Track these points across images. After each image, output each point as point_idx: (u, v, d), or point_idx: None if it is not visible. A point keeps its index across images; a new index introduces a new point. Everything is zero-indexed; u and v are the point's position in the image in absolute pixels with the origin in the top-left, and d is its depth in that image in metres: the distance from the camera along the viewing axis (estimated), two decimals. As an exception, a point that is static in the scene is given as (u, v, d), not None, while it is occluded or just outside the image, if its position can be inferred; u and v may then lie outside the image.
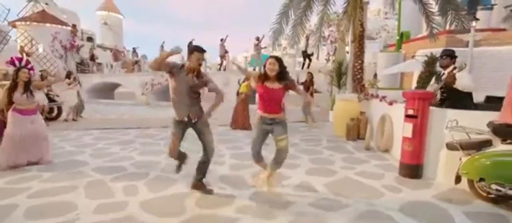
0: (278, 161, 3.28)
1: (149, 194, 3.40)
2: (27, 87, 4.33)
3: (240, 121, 7.74)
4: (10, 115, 4.28)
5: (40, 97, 4.83)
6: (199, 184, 3.44)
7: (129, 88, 18.23)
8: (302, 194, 3.44)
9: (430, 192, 3.49)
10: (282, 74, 3.13)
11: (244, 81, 7.83)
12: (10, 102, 4.27)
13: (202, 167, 3.38)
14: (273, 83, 3.14)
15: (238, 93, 8.03)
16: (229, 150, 5.49)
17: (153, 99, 16.89)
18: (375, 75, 11.83)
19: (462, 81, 4.00)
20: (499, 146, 3.09)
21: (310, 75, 9.25)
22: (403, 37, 16.98)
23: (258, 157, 3.42)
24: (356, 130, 6.64)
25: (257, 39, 15.80)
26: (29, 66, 4.48)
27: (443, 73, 4.32)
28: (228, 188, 3.61)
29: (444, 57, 4.31)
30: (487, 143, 3.21)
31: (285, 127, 3.25)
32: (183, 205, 3.11)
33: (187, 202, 3.19)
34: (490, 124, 3.12)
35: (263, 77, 3.15)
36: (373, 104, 6.57)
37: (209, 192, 3.39)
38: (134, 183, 3.74)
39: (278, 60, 3.17)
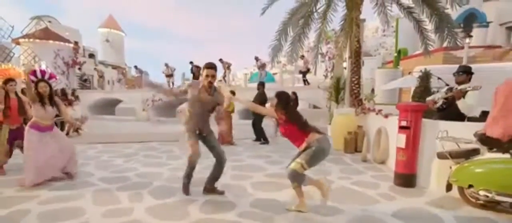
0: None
1: (154, 201, 3.55)
2: (49, 100, 4.20)
3: (225, 137, 7.74)
4: (28, 132, 4.05)
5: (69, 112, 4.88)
6: (212, 188, 3.75)
7: (130, 104, 18.46)
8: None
9: (423, 199, 3.64)
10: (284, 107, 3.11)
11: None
12: (23, 113, 4.36)
13: (216, 176, 3.72)
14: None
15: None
16: (230, 163, 5.64)
17: (153, 115, 17.09)
18: (373, 90, 12.09)
19: (467, 100, 4.07)
20: (486, 154, 3.28)
21: (294, 95, 9.35)
22: (401, 54, 17.42)
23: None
24: (354, 144, 6.82)
25: (256, 59, 16.64)
26: (52, 80, 4.44)
27: (456, 88, 4.28)
28: (229, 196, 3.76)
29: (460, 73, 4.30)
30: (475, 152, 3.40)
31: (306, 152, 3.02)
32: (186, 210, 3.25)
33: (190, 208, 3.34)
34: (476, 134, 3.31)
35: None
36: (370, 118, 6.77)
37: (222, 193, 3.74)
38: (138, 191, 3.88)
39: (277, 96, 3.16)
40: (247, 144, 7.97)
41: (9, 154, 4.78)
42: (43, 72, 4.41)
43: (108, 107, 20.39)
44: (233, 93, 8.33)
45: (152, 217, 3.10)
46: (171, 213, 3.20)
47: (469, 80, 4.25)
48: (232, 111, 8.11)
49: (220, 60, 17.08)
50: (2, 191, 3.82)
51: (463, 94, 4.11)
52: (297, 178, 3.03)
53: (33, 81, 4.17)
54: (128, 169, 5.14)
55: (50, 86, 4.25)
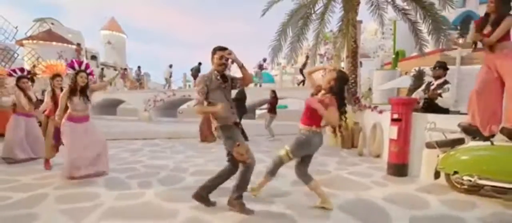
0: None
1: (162, 187, 3.82)
2: (83, 92, 4.17)
3: (207, 135, 7.85)
4: (63, 125, 4.07)
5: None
6: (239, 203, 2.98)
7: (132, 104, 18.72)
8: (297, 188, 3.81)
9: (413, 186, 3.91)
10: None
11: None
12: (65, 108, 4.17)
13: (244, 178, 2.95)
14: None
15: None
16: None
17: (155, 115, 17.34)
18: (370, 89, 12.38)
19: (444, 98, 4.57)
20: (469, 143, 3.55)
21: (273, 93, 9.26)
22: (399, 56, 17.76)
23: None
24: (351, 140, 7.09)
25: (260, 67, 17.28)
26: (89, 70, 4.35)
27: (433, 84, 4.81)
28: (232, 184, 4.01)
29: (437, 68, 4.78)
30: (460, 141, 3.67)
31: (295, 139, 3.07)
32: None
33: (196, 193, 3.60)
34: (460, 125, 3.59)
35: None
36: (366, 114, 7.04)
37: (249, 212, 2.92)
38: (147, 180, 4.15)
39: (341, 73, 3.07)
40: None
41: (56, 149, 4.72)
42: (80, 63, 4.32)
43: (110, 107, 20.66)
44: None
45: (161, 199, 3.36)
46: (179, 197, 3.46)
47: (445, 75, 4.72)
48: None
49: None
50: (20, 178, 4.08)
51: (438, 94, 4.57)
52: (276, 166, 3.13)
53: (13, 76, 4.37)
54: (135, 161, 5.40)
55: (87, 77, 4.24)
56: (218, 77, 2.93)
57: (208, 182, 3.12)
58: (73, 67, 4.20)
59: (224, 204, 3.11)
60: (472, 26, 3.68)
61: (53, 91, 4.85)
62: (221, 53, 2.88)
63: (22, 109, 5.12)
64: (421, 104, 4.81)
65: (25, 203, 3.19)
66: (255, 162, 2.95)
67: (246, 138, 7.99)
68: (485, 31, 3.39)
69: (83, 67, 4.29)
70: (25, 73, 5.40)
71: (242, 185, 2.96)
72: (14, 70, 5.39)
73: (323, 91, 2.98)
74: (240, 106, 7.94)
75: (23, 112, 5.14)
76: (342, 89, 2.97)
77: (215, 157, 5.78)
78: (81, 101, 4.14)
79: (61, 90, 4.75)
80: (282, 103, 20.28)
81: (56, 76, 4.93)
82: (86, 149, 4.12)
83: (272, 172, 3.21)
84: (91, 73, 4.44)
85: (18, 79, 5.13)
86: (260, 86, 18.03)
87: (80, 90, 4.15)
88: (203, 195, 3.10)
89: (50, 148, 4.71)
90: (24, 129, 5.16)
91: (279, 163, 3.15)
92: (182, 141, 8.19)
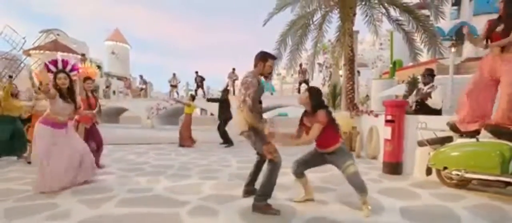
0: (356, 187, 2.91)
1: (170, 183, 4.07)
2: (71, 94, 3.79)
3: (186, 139, 8.19)
4: (38, 127, 3.63)
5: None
6: (265, 205, 2.95)
7: (135, 112, 19.03)
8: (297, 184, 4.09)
9: (406, 182, 4.15)
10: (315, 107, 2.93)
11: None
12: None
13: (270, 177, 2.95)
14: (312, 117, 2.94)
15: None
16: (234, 157, 6.18)
17: (158, 123, 17.63)
18: (367, 96, 12.70)
19: (434, 98, 4.94)
20: (457, 140, 3.81)
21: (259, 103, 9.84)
22: (396, 65, 18.11)
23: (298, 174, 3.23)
24: (349, 143, 7.33)
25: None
26: (68, 68, 3.84)
27: (423, 89, 5.22)
28: (237, 180, 4.26)
29: (426, 75, 5.23)
30: (449, 139, 3.93)
31: (343, 154, 2.98)
32: (200, 189, 3.76)
33: (203, 187, 3.85)
34: (448, 124, 3.86)
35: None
36: (363, 119, 7.32)
37: (276, 212, 2.91)
38: (155, 177, 4.39)
39: (310, 90, 3.03)
40: (209, 146, 8.22)
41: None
42: (65, 62, 3.85)
43: (113, 115, 20.97)
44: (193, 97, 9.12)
45: (170, 192, 3.61)
46: (187, 190, 3.71)
47: (433, 80, 5.18)
48: (191, 112, 8.62)
49: (233, 69, 17.59)
50: (34, 176, 4.32)
51: (428, 94, 4.97)
52: (360, 179, 2.91)
53: (51, 72, 3.73)
54: (142, 162, 5.65)
55: (70, 78, 3.77)
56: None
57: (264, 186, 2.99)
58: (49, 69, 3.74)
59: (232, 194, 3.35)
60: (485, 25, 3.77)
61: (85, 94, 4.78)
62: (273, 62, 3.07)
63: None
64: (413, 107, 5.12)
65: (44, 195, 3.43)
66: (281, 163, 2.97)
67: (231, 142, 8.27)
68: (498, 29, 3.52)
69: (60, 66, 3.76)
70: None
71: (267, 185, 2.94)
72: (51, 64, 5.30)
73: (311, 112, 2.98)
74: (225, 111, 8.34)
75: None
76: (321, 101, 3.00)
77: (217, 159, 6.04)
78: (66, 106, 3.69)
79: (92, 93, 4.96)
80: (282, 111, 20.56)
81: (87, 79, 4.90)
82: (70, 158, 3.71)
83: (363, 188, 2.92)
84: (75, 69, 3.97)
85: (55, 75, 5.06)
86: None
87: (67, 92, 3.72)
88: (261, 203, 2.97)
89: None
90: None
91: (359, 175, 2.94)
92: (205, 145, 8.38)
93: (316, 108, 2.91)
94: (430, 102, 4.85)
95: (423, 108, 4.94)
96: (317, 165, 3.25)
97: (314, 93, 2.98)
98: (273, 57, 3.07)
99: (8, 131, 5.26)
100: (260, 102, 3.15)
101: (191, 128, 8.40)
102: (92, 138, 4.81)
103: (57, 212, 2.92)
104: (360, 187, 2.90)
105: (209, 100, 10.06)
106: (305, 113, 3.08)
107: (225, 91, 8.97)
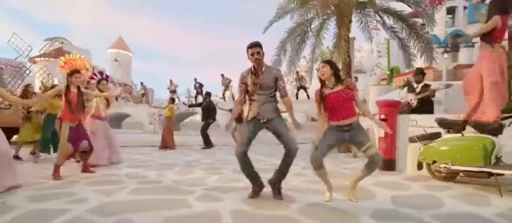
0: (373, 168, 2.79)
1: (178, 177, 4.34)
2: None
3: (167, 142, 8.50)
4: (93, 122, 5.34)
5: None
6: (276, 187, 3.28)
7: (137, 118, 19.31)
8: (297, 178, 4.35)
9: (399, 177, 4.42)
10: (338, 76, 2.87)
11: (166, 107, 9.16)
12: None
13: (283, 171, 3.26)
14: (334, 87, 2.85)
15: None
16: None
17: (160, 128, 17.86)
18: (364, 100, 13.04)
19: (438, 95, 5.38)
20: (445, 136, 4.09)
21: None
22: (393, 72, 18.49)
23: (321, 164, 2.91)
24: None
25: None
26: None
27: (417, 87, 5.63)
28: (241, 174, 4.51)
29: (418, 74, 5.74)
30: (438, 135, 4.21)
31: (363, 131, 2.90)
32: (204, 182, 4.03)
33: (208, 180, 4.13)
34: (436, 120, 4.15)
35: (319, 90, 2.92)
36: (360, 120, 7.59)
37: (280, 198, 3.20)
38: (163, 172, 4.67)
39: (328, 62, 2.92)
40: (212, 150, 8.40)
41: (74, 155, 4.64)
42: (101, 73, 5.62)
43: (115, 121, 21.22)
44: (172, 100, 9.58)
45: (178, 184, 3.87)
46: (194, 182, 3.98)
47: (423, 79, 5.67)
48: (171, 116, 9.05)
49: (222, 75, 18.10)
50: (48, 172, 4.59)
51: (433, 92, 5.35)
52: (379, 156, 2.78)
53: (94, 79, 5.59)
54: (149, 160, 5.93)
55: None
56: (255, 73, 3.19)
57: (277, 171, 3.30)
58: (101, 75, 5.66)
59: (236, 185, 3.62)
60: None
61: (67, 88, 4.22)
62: (255, 49, 3.10)
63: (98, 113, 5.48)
64: (414, 104, 5.42)
65: (61, 185, 3.70)
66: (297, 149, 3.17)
67: (211, 144, 8.58)
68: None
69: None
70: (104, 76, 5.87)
71: (282, 169, 3.24)
72: (94, 74, 5.91)
73: (332, 83, 2.85)
74: (207, 114, 8.86)
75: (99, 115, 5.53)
76: (338, 70, 2.96)
77: (220, 158, 6.30)
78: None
79: (78, 89, 4.32)
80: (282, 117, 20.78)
81: (74, 72, 4.36)
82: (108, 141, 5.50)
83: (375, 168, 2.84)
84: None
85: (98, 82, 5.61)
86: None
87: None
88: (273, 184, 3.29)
89: (64, 154, 4.23)
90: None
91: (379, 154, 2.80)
92: (189, 148, 8.72)
93: (339, 77, 2.87)
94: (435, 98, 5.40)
95: (423, 104, 5.31)
96: (338, 145, 3.25)
97: (333, 63, 2.94)
98: (249, 46, 3.12)
99: (53, 129, 5.77)
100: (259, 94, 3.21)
101: (173, 132, 8.91)
102: (83, 137, 4.44)
103: (75, 198, 3.18)
104: (376, 168, 2.80)
105: (190, 105, 10.49)
106: (322, 92, 2.87)
107: (207, 95, 9.52)
